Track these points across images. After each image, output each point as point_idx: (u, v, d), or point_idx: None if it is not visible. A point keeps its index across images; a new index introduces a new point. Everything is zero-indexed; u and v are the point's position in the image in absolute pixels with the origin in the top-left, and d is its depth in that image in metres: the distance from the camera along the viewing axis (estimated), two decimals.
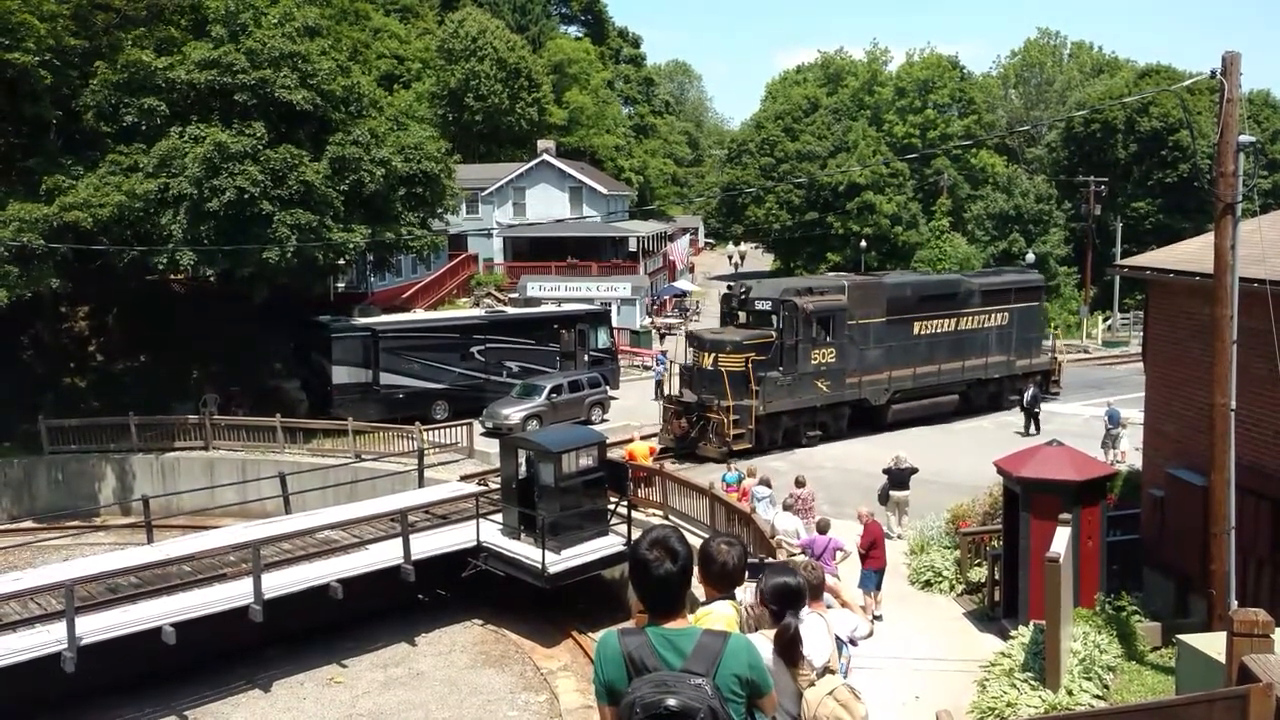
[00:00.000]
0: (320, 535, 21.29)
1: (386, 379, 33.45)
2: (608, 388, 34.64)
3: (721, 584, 4.63)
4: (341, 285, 42.36)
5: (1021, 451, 16.25)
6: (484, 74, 65.66)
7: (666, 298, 61.13)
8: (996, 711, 12.31)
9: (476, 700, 18.00)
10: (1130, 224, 62.48)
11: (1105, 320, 59.15)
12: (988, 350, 34.48)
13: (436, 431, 30.39)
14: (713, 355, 29.27)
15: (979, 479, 21.33)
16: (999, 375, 34.92)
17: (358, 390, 33.10)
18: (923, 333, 32.61)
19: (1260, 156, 40.34)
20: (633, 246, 59.16)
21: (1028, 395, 31.69)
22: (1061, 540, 12.99)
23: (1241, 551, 13.63)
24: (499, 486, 22.60)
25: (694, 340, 31.01)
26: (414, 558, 20.24)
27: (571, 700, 17.54)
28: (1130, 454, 25.23)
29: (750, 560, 5.61)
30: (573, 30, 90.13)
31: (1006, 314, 34.77)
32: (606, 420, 32.80)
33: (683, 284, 65.23)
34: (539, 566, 19.56)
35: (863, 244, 65.20)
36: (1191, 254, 16.58)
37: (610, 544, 20.84)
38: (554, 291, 50.10)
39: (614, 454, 23.67)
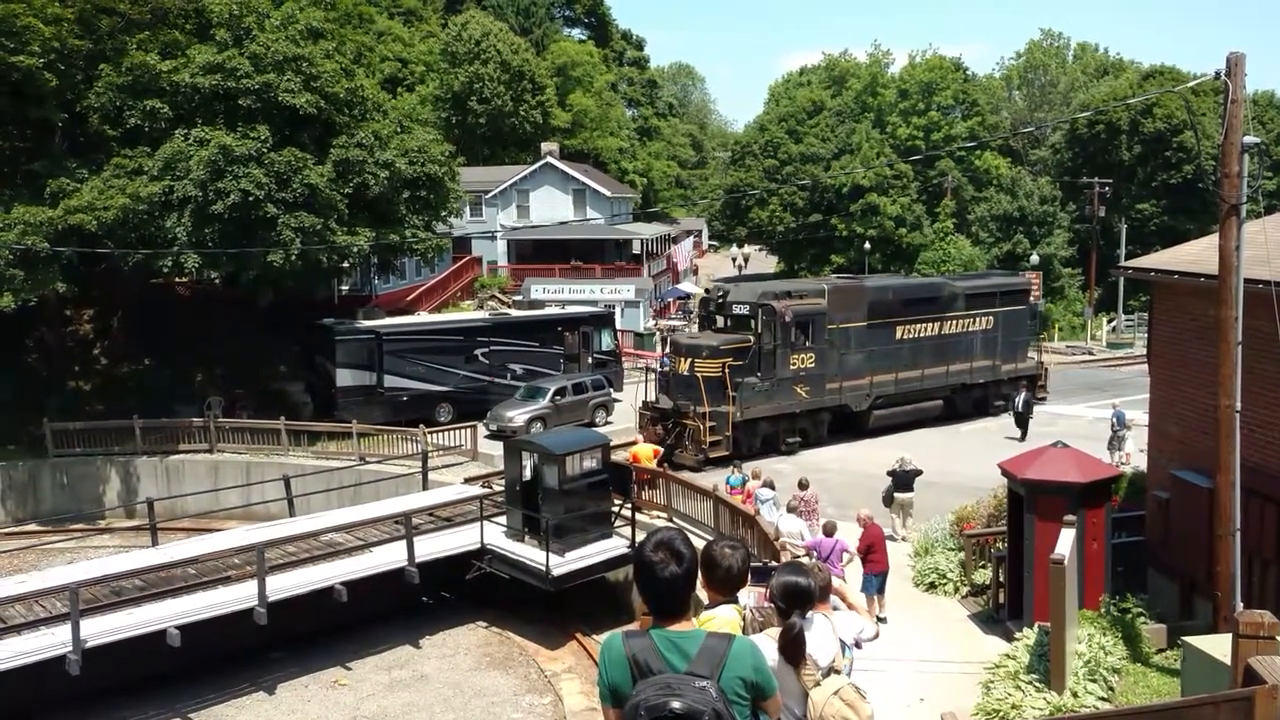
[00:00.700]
0: (324, 538, 21.31)
1: (390, 381, 33.46)
2: (612, 390, 34.62)
3: (725, 588, 4.64)
4: (345, 288, 42.44)
5: (1026, 453, 16.22)
6: (488, 77, 65.75)
7: (670, 300, 61.14)
8: (1001, 713, 12.29)
9: (481, 702, 18.00)
10: (1134, 225, 62.41)
11: (1109, 322, 59.12)
12: (973, 355, 33.89)
13: (440, 434, 30.39)
14: (689, 360, 28.56)
15: (983, 481, 21.30)
16: (984, 380, 34.31)
17: (362, 393, 33.11)
18: (905, 337, 32.04)
19: (1265, 158, 40.27)
20: (636, 249, 59.17)
21: (1020, 400, 31.35)
22: (1066, 542, 12.97)
23: (1246, 553, 13.61)
24: (503, 489, 22.61)
25: (670, 345, 30.34)
26: (418, 560, 20.27)
27: (576, 703, 17.54)
28: (1135, 455, 25.18)
29: (754, 564, 5.62)
30: (576, 33, 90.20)
31: (992, 318, 34.21)
32: (610, 423, 32.76)
33: (686, 286, 65.26)
34: (543, 569, 19.57)
35: (867, 246, 65.18)
36: (1196, 255, 16.55)
37: (614, 546, 20.84)
38: (558, 294, 50.11)
39: (618, 456, 23.70)
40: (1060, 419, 33.55)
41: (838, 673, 5.53)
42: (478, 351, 35.26)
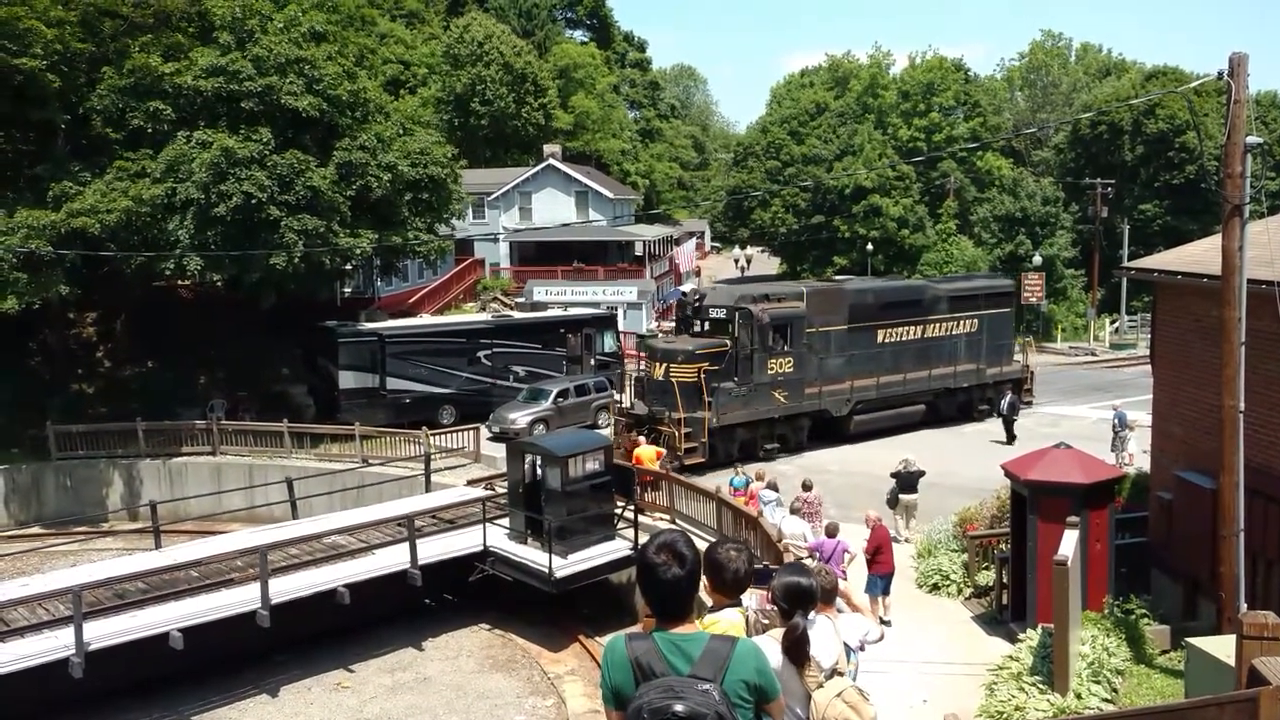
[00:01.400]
0: (327, 540, 21.31)
1: (393, 384, 33.48)
2: (614, 392, 34.65)
3: (732, 591, 4.64)
4: (348, 290, 42.49)
5: (1029, 454, 16.19)
6: (490, 79, 65.81)
7: (673, 302, 61.08)
8: (1005, 715, 12.27)
9: (484, 705, 18.00)
10: (1137, 226, 62.33)
11: (1112, 323, 59.08)
12: (956, 358, 33.34)
13: (443, 436, 30.39)
14: (664, 365, 27.92)
15: (986, 482, 21.31)
16: (968, 384, 33.75)
17: (364, 395, 33.13)
18: (887, 341, 31.48)
19: (1268, 158, 40.29)
20: (639, 250, 59.18)
21: (1005, 404, 31.09)
22: (1069, 543, 12.96)
23: (1250, 554, 13.59)
24: (505, 491, 22.61)
25: (646, 349, 29.85)
26: (421, 562, 20.26)
27: (579, 705, 17.52)
28: (1138, 456, 25.15)
29: (756, 567, 5.62)
30: (578, 35, 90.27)
31: (976, 320, 33.68)
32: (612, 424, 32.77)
33: (689, 288, 65.19)
34: (546, 571, 19.55)
35: (869, 247, 65.15)
36: (1199, 256, 16.54)
37: (617, 548, 20.82)
38: (560, 296, 50.10)
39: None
40: (1063, 420, 33.53)
41: (840, 674, 5.53)
42: (480, 354, 35.28)
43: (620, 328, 43.10)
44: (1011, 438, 30.33)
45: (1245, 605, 12.73)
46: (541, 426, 31.02)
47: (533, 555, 20.27)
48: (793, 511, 18.90)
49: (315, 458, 30.07)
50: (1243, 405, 12.92)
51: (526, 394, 33.16)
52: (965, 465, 26.17)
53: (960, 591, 18.20)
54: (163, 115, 30.74)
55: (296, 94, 31.10)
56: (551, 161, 59.32)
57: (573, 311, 41.37)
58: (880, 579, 16.63)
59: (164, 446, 30.68)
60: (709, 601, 4.76)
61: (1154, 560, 17.14)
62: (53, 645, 16.55)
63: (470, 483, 26.39)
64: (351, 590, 19.34)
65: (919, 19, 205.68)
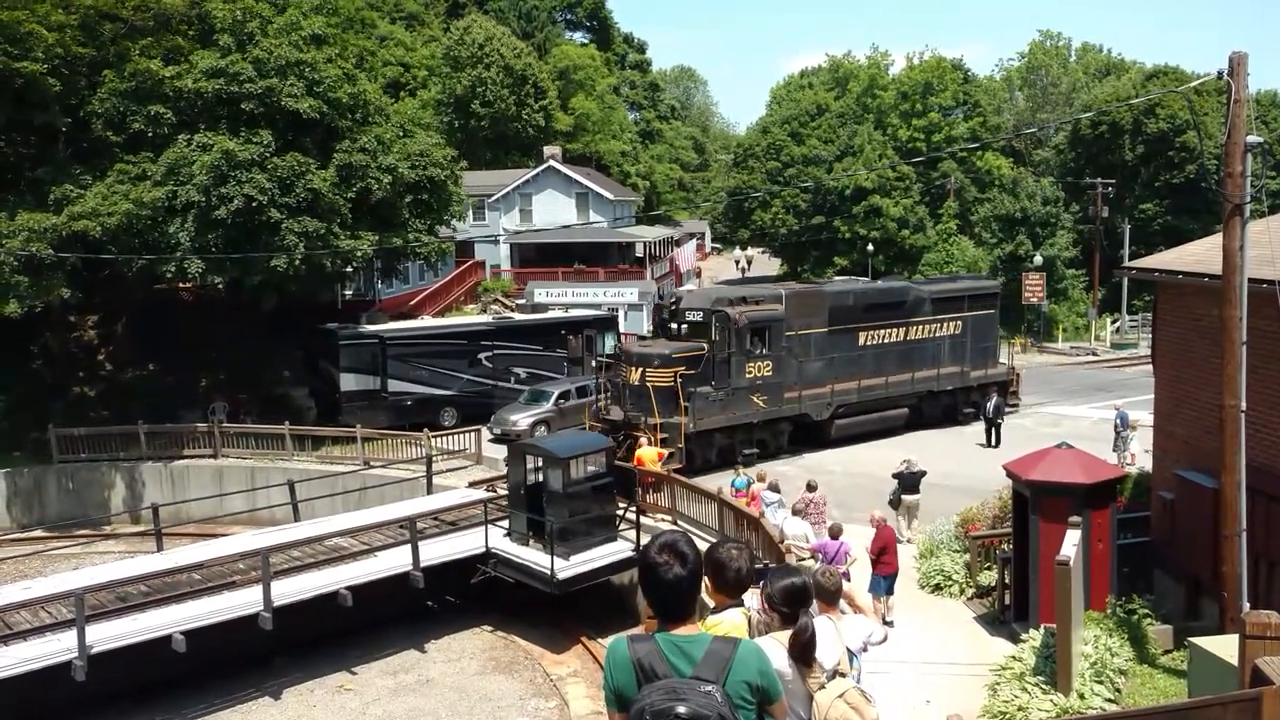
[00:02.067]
0: (329, 542, 21.33)
1: (394, 386, 33.50)
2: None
3: (735, 591, 4.64)
4: (349, 293, 42.51)
5: (1031, 454, 16.17)
6: (490, 80, 65.83)
7: None
8: (1008, 715, 12.26)
9: (486, 707, 18.00)
10: (1138, 225, 62.31)
11: (1113, 322, 59.08)
12: (940, 361, 32.67)
13: (444, 438, 30.40)
14: (639, 370, 27.16)
15: (988, 482, 21.31)
16: (952, 387, 33.12)
17: (366, 397, 33.16)
18: (868, 343, 30.84)
19: (1268, 157, 40.27)
20: (639, 252, 59.16)
21: (990, 406, 30.77)
22: (1071, 543, 12.96)
23: (1253, 553, 13.58)
24: (507, 493, 22.61)
25: (622, 353, 29.44)
26: (423, 564, 20.28)
27: (581, 707, 17.53)
28: (1140, 456, 25.14)
29: (757, 566, 5.62)
30: (578, 36, 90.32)
31: (960, 323, 32.99)
32: None
33: (689, 289, 65.21)
34: (548, 572, 19.57)
35: (870, 248, 65.14)
36: (1200, 255, 16.53)
37: (619, 549, 20.83)
38: (561, 297, 50.07)
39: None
40: (1064, 420, 33.49)
41: (843, 675, 5.52)
42: (481, 355, 35.30)
43: (621, 329, 43.07)
44: (996, 441, 30.01)
45: (1248, 605, 12.71)
46: (543, 428, 31.02)
47: (535, 557, 20.28)
48: (795, 512, 18.88)
49: (317, 460, 30.09)
50: (1244, 405, 12.91)
51: (528, 396, 33.16)
52: (965, 466, 26.17)
53: (962, 592, 18.19)
54: (163, 118, 30.77)
55: (297, 96, 31.13)
56: (552, 163, 59.33)
57: (573, 313, 41.36)
58: (885, 579, 16.61)
59: (166, 449, 30.73)
60: (711, 603, 4.76)
61: (1156, 560, 17.13)
62: (55, 648, 16.58)
63: (472, 484, 26.41)
64: (354, 592, 19.36)
65: (919, 19, 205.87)
